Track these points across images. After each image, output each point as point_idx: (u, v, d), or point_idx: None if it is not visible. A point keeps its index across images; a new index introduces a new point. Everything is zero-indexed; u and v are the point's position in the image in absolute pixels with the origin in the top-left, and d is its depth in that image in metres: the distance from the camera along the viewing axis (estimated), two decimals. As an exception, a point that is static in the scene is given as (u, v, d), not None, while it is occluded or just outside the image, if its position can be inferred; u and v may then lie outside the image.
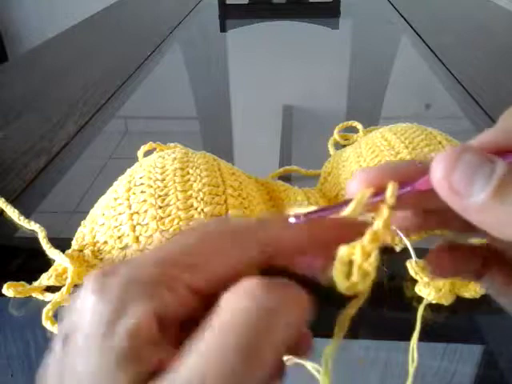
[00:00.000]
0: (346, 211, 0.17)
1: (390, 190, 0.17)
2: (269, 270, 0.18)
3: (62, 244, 0.41)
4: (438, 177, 0.17)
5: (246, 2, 1.34)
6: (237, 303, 0.15)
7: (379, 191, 0.18)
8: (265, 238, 0.18)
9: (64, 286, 0.37)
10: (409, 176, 0.18)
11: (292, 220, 0.18)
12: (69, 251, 0.40)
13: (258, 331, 0.15)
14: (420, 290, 0.36)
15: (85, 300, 0.16)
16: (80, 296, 0.16)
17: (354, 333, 0.35)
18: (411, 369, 0.20)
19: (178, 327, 0.17)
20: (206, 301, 0.17)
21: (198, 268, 0.17)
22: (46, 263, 0.40)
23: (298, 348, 0.19)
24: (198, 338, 0.15)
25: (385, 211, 0.17)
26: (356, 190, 0.18)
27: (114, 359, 0.15)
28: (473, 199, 0.16)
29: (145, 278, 0.16)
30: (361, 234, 0.17)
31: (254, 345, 0.14)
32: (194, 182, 0.41)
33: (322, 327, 0.21)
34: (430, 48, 0.97)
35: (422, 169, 0.18)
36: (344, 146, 0.58)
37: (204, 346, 0.14)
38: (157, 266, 0.17)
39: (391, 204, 0.17)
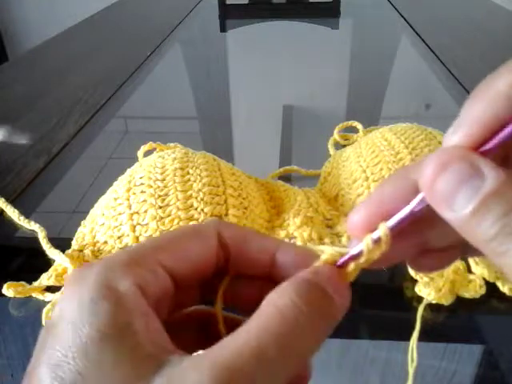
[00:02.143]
0: (363, 259, 0.18)
1: (383, 233, 0.17)
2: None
3: (62, 244, 0.41)
4: (425, 182, 0.16)
5: (246, 2, 1.34)
6: (291, 299, 0.16)
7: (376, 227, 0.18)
8: (225, 233, 0.20)
9: (64, 286, 0.37)
10: (402, 197, 0.18)
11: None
12: (69, 251, 0.40)
13: (297, 335, 0.15)
14: (420, 290, 0.36)
15: (64, 294, 0.17)
16: (61, 295, 0.17)
17: (354, 333, 0.35)
18: (411, 369, 0.20)
19: (168, 308, 0.19)
20: (182, 288, 0.19)
21: (166, 251, 0.18)
22: (46, 263, 0.40)
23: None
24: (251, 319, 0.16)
25: (382, 247, 0.17)
26: (358, 222, 0.18)
27: (109, 331, 0.15)
28: (455, 212, 0.16)
29: (122, 258, 0.17)
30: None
31: (294, 340, 0.15)
32: (194, 182, 0.41)
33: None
34: (429, 48, 0.97)
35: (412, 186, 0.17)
36: (344, 145, 0.58)
37: (254, 327, 0.15)
38: (130, 250, 0.18)
39: (385, 249, 0.17)
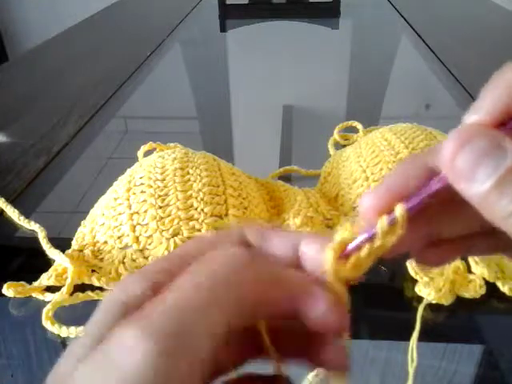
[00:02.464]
0: (377, 240, 0.17)
1: (399, 214, 0.17)
2: None
3: (62, 244, 0.41)
4: (445, 158, 0.16)
5: (246, 2, 1.34)
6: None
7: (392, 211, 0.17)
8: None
9: (64, 285, 0.37)
10: (415, 182, 0.17)
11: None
12: (69, 251, 0.40)
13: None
14: (420, 290, 0.36)
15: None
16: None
17: (354, 333, 0.35)
18: (411, 369, 0.20)
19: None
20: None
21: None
22: (46, 263, 0.40)
23: (328, 362, 0.18)
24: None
25: (397, 231, 0.17)
26: (369, 205, 0.18)
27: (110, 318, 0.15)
28: (474, 188, 0.15)
29: (146, 269, 0.18)
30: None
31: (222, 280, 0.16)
32: (194, 182, 0.41)
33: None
34: (430, 48, 0.97)
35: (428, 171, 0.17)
36: (344, 145, 0.58)
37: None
38: (158, 261, 0.18)
39: (400, 232, 0.17)
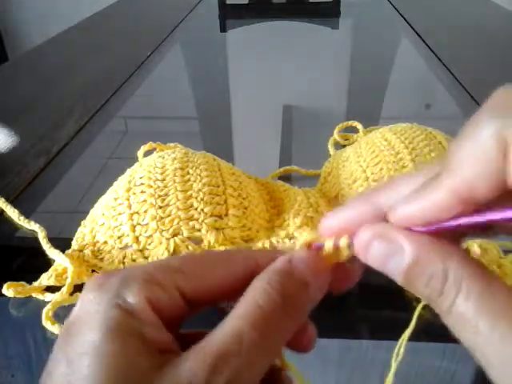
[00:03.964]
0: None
1: (342, 243, 0.19)
2: None
3: (62, 244, 0.41)
4: (358, 254, 0.19)
5: (246, 2, 1.34)
6: (259, 299, 0.18)
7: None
8: (250, 260, 0.20)
9: (64, 285, 0.37)
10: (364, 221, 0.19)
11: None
12: (69, 251, 0.40)
13: (272, 323, 0.17)
14: (420, 290, 0.36)
15: (84, 297, 0.18)
16: (80, 297, 0.18)
17: (354, 333, 0.35)
18: (394, 363, 0.21)
19: (175, 329, 0.19)
20: (195, 307, 0.19)
21: (187, 276, 0.19)
22: (46, 263, 0.40)
23: (300, 341, 0.20)
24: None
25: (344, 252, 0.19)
26: (329, 227, 0.20)
27: (122, 334, 0.16)
28: (393, 276, 0.18)
29: (138, 275, 0.18)
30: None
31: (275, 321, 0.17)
32: (194, 182, 0.41)
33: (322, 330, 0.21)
34: (429, 48, 0.97)
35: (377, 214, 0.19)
36: (344, 145, 0.58)
37: (233, 328, 0.17)
38: (150, 267, 0.19)
39: (342, 258, 0.20)
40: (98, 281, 0.18)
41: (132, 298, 0.17)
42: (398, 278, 0.17)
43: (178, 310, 0.18)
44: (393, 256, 0.17)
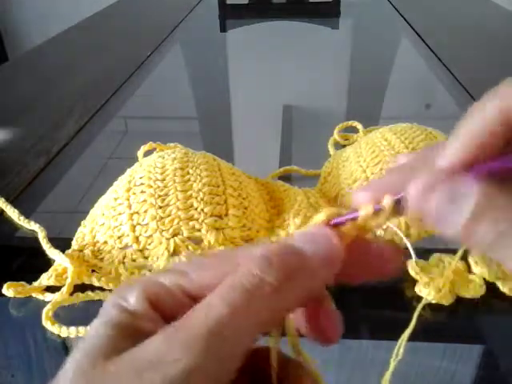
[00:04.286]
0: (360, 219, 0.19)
1: (387, 203, 0.18)
2: None
3: (62, 244, 0.41)
4: (413, 204, 0.17)
5: (246, 2, 1.34)
6: (239, 277, 0.17)
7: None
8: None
9: (64, 285, 0.37)
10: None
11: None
12: (69, 251, 0.40)
13: (252, 301, 0.16)
14: (420, 289, 0.36)
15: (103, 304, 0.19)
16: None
17: (354, 333, 0.35)
18: (393, 363, 0.21)
19: None
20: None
21: (188, 274, 0.18)
22: (46, 263, 0.40)
23: (321, 331, 0.19)
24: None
25: (381, 218, 0.18)
26: (361, 200, 0.19)
27: (112, 324, 0.17)
28: (449, 231, 0.17)
29: (144, 279, 0.19)
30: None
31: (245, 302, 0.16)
32: (194, 182, 0.41)
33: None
34: (429, 48, 0.97)
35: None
36: (344, 146, 0.58)
37: (204, 303, 0.16)
38: (157, 273, 0.19)
39: (382, 221, 0.18)
40: (116, 289, 0.19)
41: (133, 298, 0.17)
42: (459, 225, 0.16)
43: (184, 310, 0.18)
44: (457, 199, 0.16)
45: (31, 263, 0.42)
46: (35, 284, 0.38)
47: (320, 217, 0.19)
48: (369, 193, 0.19)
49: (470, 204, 0.16)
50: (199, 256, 0.22)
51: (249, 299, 0.16)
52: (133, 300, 0.17)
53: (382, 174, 0.17)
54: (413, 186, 0.17)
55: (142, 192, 0.40)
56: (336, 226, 0.19)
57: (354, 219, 0.19)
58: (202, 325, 0.15)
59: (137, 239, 0.39)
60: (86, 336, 0.17)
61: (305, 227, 0.19)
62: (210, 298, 0.16)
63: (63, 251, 0.40)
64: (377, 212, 0.18)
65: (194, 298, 0.18)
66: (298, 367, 0.19)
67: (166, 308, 0.18)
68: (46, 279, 0.38)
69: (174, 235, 0.39)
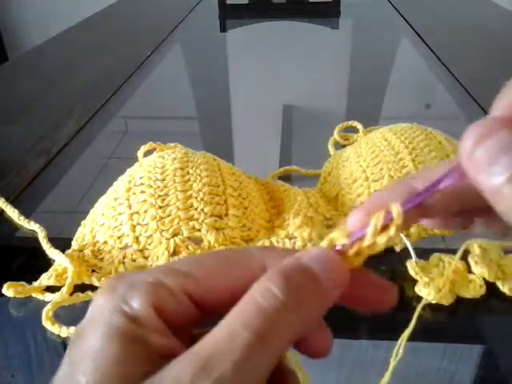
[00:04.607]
0: (368, 237, 0.17)
1: (395, 211, 0.17)
2: None
3: (62, 244, 0.41)
4: (465, 149, 0.16)
5: (246, 2, 1.34)
6: (260, 298, 0.16)
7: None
8: (265, 259, 0.18)
9: (64, 285, 0.37)
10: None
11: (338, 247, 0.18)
12: (69, 251, 0.40)
13: (275, 324, 0.15)
14: (420, 289, 0.36)
15: (95, 301, 0.17)
16: (92, 300, 0.18)
17: (354, 333, 0.35)
18: (392, 362, 0.21)
19: (189, 334, 0.18)
20: (208, 312, 0.18)
21: (196, 278, 0.18)
22: (46, 263, 0.40)
23: (312, 346, 0.19)
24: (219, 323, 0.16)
25: (392, 230, 0.17)
26: (357, 222, 0.18)
27: (120, 339, 0.16)
28: (490, 181, 0.16)
29: (145, 279, 0.17)
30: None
31: (266, 333, 0.15)
32: (194, 182, 0.41)
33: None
34: (429, 48, 0.97)
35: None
36: (344, 146, 0.58)
37: (227, 329, 0.15)
38: (157, 271, 0.18)
39: (398, 224, 0.17)
40: (108, 284, 0.18)
41: (137, 302, 0.17)
42: (505, 177, 0.15)
43: (187, 315, 0.17)
44: (508, 149, 0.15)
45: (31, 263, 0.42)
46: (35, 284, 0.38)
47: (334, 238, 0.18)
48: (363, 215, 0.18)
49: None
50: (202, 254, 0.21)
51: (272, 326, 0.15)
52: (136, 305, 0.17)
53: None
54: (468, 136, 0.16)
55: (142, 192, 0.40)
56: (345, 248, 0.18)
57: (362, 238, 0.17)
58: (228, 357, 0.14)
59: (137, 239, 0.39)
60: (86, 342, 0.16)
61: (315, 243, 0.19)
62: (232, 323, 0.15)
63: (63, 251, 0.40)
64: (386, 224, 0.17)
65: (197, 302, 0.17)
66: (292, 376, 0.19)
67: (170, 313, 0.17)
68: (46, 279, 0.38)
69: (174, 235, 0.39)
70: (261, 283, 0.16)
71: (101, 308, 0.17)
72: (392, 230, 0.17)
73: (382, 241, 0.17)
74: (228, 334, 0.15)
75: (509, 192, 0.15)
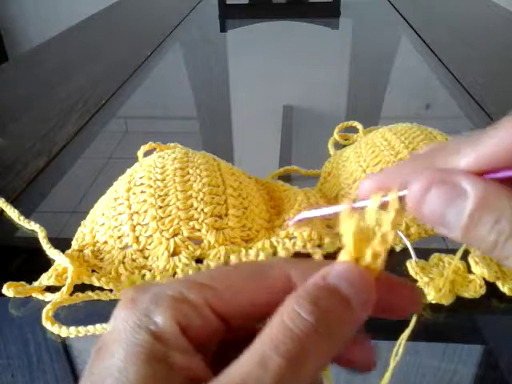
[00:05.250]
0: (366, 214, 0.17)
1: (393, 196, 0.17)
2: None
3: (62, 244, 0.41)
4: (411, 206, 0.16)
5: (246, 2, 1.34)
6: (289, 322, 0.15)
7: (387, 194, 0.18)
8: (295, 274, 0.18)
9: (64, 285, 0.37)
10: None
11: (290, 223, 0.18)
12: (69, 251, 0.40)
13: (305, 348, 0.15)
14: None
15: (117, 314, 0.17)
16: (114, 313, 0.17)
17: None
18: (393, 363, 0.20)
19: (212, 351, 0.17)
20: (235, 329, 0.17)
21: (219, 292, 0.17)
22: (46, 263, 0.40)
23: (357, 361, 0.19)
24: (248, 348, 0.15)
25: (391, 214, 0.17)
26: (368, 188, 0.18)
27: (144, 359, 0.15)
28: (449, 232, 0.16)
29: (169, 293, 0.17)
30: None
31: (297, 360, 0.15)
32: (194, 181, 0.41)
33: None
34: (430, 48, 0.97)
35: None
36: (344, 146, 0.58)
37: (257, 354, 0.15)
38: (181, 285, 0.17)
39: (396, 208, 0.17)
40: (130, 296, 0.17)
41: (161, 319, 0.16)
42: (458, 227, 0.16)
43: (211, 330, 0.17)
44: (454, 200, 0.16)
45: (31, 263, 0.42)
46: (35, 284, 0.38)
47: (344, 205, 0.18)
48: (376, 181, 0.18)
49: (469, 205, 0.15)
50: (224, 267, 0.20)
51: (304, 351, 0.15)
52: (160, 321, 0.16)
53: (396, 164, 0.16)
54: (412, 185, 0.16)
55: (142, 192, 0.40)
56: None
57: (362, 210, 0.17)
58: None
59: (137, 239, 0.39)
60: (109, 359, 0.15)
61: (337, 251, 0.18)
62: (262, 349, 0.15)
63: (63, 251, 0.40)
64: (384, 205, 0.17)
65: (220, 315, 0.17)
66: None
67: (194, 329, 0.16)
68: (45, 279, 0.38)
69: (174, 235, 0.39)
70: (289, 306, 0.16)
71: (123, 323, 0.16)
72: (391, 214, 0.17)
73: (387, 227, 0.17)
74: (259, 360, 0.14)
75: (472, 238, 0.16)
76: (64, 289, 0.37)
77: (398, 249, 0.40)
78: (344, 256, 0.18)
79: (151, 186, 0.40)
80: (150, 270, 0.38)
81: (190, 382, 0.15)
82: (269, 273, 0.18)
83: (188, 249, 0.38)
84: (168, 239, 0.38)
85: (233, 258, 0.38)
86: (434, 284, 0.36)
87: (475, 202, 0.15)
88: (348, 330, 0.16)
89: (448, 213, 0.16)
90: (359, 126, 0.60)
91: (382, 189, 0.18)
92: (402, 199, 0.17)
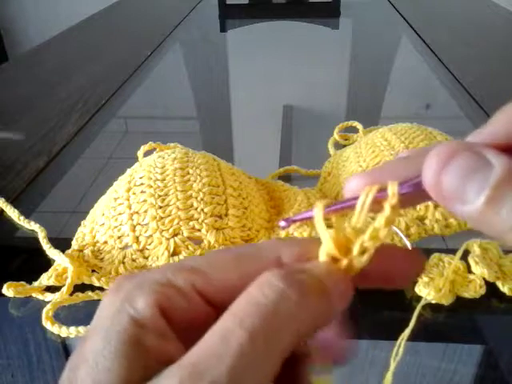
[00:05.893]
0: (356, 211, 0.17)
1: (391, 189, 0.16)
2: None
3: (62, 244, 0.41)
4: (428, 180, 0.15)
5: (246, 2, 1.34)
6: (256, 293, 0.15)
7: (381, 191, 0.17)
8: (286, 255, 0.17)
9: (64, 285, 0.37)
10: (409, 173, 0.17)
11: (282, 224, 0.18)
12: (69, 251, 0.40)
13: (273, 320, 0.14)
14: (420, 289, 0.36)
15: (102, 302, 0.17)
16: (101, 300, 0.17)
17: (354, 333, 0.35)
18: (393, 363, 0.20)
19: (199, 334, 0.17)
20: (220, 310, 0.17)
21: (208, 276, 0.17)
22: (46, 263, 0.40)
23: (328, 354, 0.18)
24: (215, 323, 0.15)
25: (387, 210, 0.16)
26: (355, 188, 0.17)
27: (119, 343, 0.15)
28: (466, 207, 0.14)
29: (155, 277, 0.17)
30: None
31: (268, 332, 0.14)
32: (194, 181, 0.41)
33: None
34: (430, 48, 0.97)
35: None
36: (344, 145, 0.58)
37: (219, 329, 0.14)
38: (165, 269, 0.17)
39: (393, 203, 0.16)
40: (115, 283, 0.17)
41: (141, 302, 0.16)
42: (479, 202, 0.14)
43: (198, 314, 0.16)
44: (478, 171, 0.14)
45: (31, 263, 0.42)
46: (35, 284, 0.38)
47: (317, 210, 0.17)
48: (365, 179, 0.17)
49: (494, 176, 0.14)
50: (215, 251, 0.20)
51: (272, 322, 0.14)
52: (140, 305, 0.16)
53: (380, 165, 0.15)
54: (430, 162, 0.15)
55: (142, 192, 0.40)
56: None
57: (351, 207, 0.17)
58: (221, 360, 0.13)
59: (137, 239, 0.39)
60: (87, 346, 0.15)
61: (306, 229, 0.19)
62: (225, 324, 0.14)
63: (63, 251, 0.40)
64: (379, 200, 0.16)
65: (208, 299, 0.17)
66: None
67: (178, 313, 0.16)
68: (46, 279, 0.38)
69: (174, 235, 0.39)
70: (260, 278, 0.15)
71: (106, 308, 0.16)
72: (387, 210, 0.16)
73: (380, 222, 0.16)
74: (221, 335, 0.14)
75: (491, 215, 0.14)
76: (64, 289, 0.37)
77: (397, 249, 0.40)
78: (322, 255, 0.17)
79: (151, 186, 0.40)
80: (150, 270, 0.38)
81: (160, 365, 0.15)
82: (260, 255, 0.17)
83: (188, 249, 0.38)
84: (168, 239, 0.38)
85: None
86: (433, 284, 0.36)
87: (501, 174, 0.14)
88: (323, 307, 0.15)
89: (469, 185, 0.14)
90: (359, 126, 0.60)
91: (373, 186, 0.17)
92: (389, 197, 0.16)
